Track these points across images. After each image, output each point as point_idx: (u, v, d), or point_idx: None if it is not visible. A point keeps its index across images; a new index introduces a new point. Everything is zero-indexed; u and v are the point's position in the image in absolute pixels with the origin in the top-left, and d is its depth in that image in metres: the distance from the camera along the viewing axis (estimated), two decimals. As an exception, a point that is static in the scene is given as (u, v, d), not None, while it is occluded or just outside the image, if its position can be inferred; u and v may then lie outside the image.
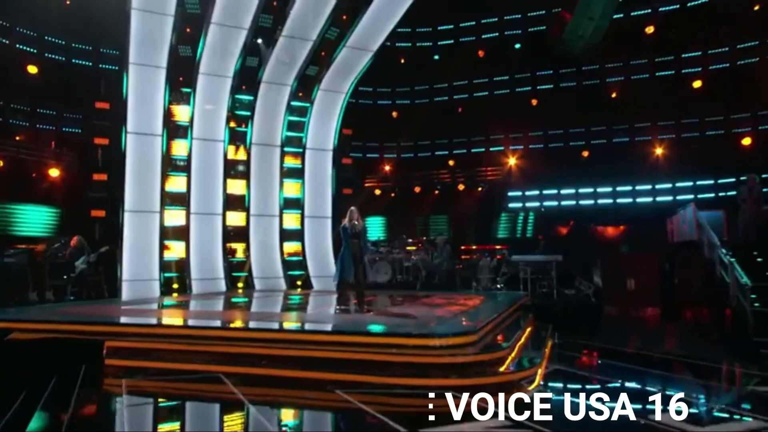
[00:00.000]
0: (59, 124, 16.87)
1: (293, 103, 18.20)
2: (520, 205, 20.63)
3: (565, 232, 18.87)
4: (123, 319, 9.90)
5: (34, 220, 15.67)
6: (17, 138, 15.97)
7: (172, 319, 10.45)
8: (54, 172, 15.32)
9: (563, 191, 20.39)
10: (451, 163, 21.21)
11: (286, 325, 9.50)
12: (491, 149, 20.92)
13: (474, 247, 18.64)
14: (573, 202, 20.10)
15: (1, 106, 15.95)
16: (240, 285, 17.38)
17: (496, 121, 19.95)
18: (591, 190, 20.13)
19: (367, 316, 10.20)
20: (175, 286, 16.30)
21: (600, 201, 20.13)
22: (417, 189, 20.66)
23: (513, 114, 19.83)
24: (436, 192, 20.73)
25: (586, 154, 20.40)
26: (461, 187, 20.48)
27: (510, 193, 20.66)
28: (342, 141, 19.14)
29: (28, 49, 15.83)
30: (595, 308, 14.21)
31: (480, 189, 20.56)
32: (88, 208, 15.54)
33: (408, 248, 17.84)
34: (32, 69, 15.65)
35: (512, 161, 20.35)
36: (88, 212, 15.45)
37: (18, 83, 15.43)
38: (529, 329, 11.04)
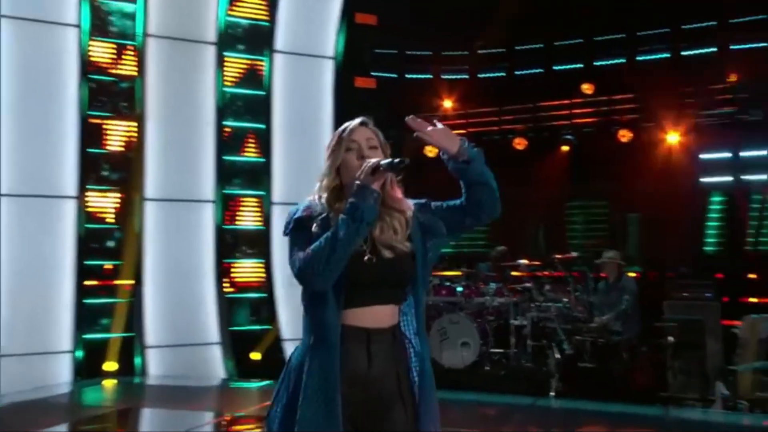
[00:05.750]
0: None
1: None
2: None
3: None
4: None
5: None
6: None
7: None
8: None
9: None
10: (585, 88, 9.58)
11: None
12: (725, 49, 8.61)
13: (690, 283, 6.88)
14: None
15: None
16: (255, 356, 7.36)
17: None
18: None
19: None
20: (109, 365, 6.72)
21: None
22: (518, 143, 9.26)
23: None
24: (564, 149, 9.32)
25: None
26: (624, 136, 8.85)
27: None
28: (354, 42, 8.56)
29: None
30: None
31: (677, 140, 8.90)
32: None
33: (518, 278, 7.00)
34: None
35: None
36: None
37: None
38: None
